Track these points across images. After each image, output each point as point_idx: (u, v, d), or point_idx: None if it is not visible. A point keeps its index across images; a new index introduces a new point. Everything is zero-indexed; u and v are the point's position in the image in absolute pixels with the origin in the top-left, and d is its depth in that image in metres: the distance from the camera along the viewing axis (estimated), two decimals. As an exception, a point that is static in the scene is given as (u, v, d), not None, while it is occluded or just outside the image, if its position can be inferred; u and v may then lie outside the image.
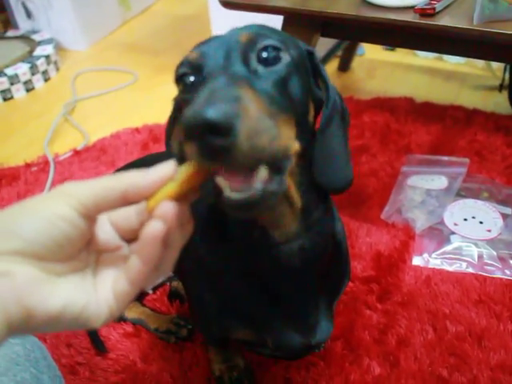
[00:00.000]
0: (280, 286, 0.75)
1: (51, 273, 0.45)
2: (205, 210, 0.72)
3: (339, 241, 0.82)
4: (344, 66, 2.31)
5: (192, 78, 0.60)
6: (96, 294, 0.48)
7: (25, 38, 2.65)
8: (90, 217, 0.47)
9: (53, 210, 0.44)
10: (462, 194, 1.50)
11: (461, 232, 1.38)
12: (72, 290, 0.46)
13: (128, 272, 0.48)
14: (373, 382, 1.08)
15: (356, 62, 2.36)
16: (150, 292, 1.31)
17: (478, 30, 1.15)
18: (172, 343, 1.18)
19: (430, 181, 1.55)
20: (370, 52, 2.46)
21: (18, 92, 2.38)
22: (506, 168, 1.63)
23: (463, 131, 1.81)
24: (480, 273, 1.29)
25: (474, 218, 1.42)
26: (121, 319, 1.23)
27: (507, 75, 1.98)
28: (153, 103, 2.21)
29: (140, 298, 1.29)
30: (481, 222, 1.40)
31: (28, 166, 1.85)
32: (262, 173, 0.49)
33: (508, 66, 1.96)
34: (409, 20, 1.20)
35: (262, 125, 0.47)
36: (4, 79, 2.31)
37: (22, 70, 2.36)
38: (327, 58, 2.32)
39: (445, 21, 1.19)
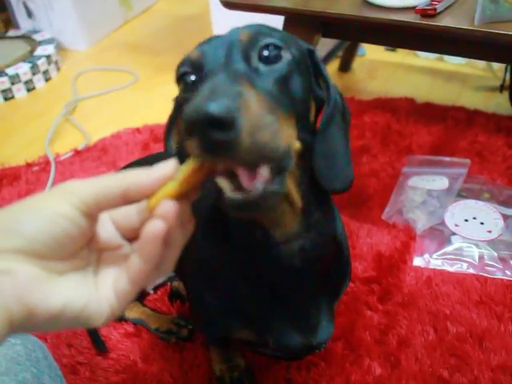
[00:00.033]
0: (281, 286, 0.75)
1: (52, 271, 0.45)
2: (206, 209, 0.72)
3: (340, 241, 0.82)
4: (345, 67, 2.31)
5: (193, 77, 0.60)
6: (97, 293, 0.48)
7: (26, 37, 2.66)
8: (92, 215, 0.47)
9: (54, 208, 0.44)
10: (462, 194, 1.50)
11: (462, 233, 1.38)
12: (73, 288, 0.46)
13: (129, 271, 0.48)
14: (373, 382, 1.08)
15: (357, 63, 2.36)
16: (151, 292, 1.31)
17: (479, 31, 1.15)
18: (172, 343, 1.18)
19: (430, 181, 1.55)
20: (370, 52, 2.46)
21: (19, 92, 2.38)
22: (506, 169, 1.62)
23: (464, 132, 1.81)
24: (481, 273, 1.29)
25: (474, 218, 1.42)
26: (121, 319, 1.23)
27: (508, 76, 1.97)
28: (153, 103, 2.21)
29: (141, 297, 1.29)
30: (482, 223, 1.40)
31: (29, 165, 1.85)
32: (264, 172, 0.48)
33: (509, 67, 1.95)
34: (410, 20, 1.20)
35: (263, 121, 0.47)
36: (5, 79, 2.31)
37: (23, 69, 2.36)
38: (328, 58, 2.32)
39: (446, 21, 1.19)
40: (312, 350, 0.89)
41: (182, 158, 0.50)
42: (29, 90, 2.41)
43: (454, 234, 1.38)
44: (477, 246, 1.34)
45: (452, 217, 1.42)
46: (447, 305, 1.22)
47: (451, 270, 1.31)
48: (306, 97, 0.63)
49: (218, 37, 0.61)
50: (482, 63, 2.24)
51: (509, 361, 1.09)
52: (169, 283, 1.32)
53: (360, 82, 2.28)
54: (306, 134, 0.62)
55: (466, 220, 1.41)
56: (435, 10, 1.18)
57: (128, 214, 0.51)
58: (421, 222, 1.42)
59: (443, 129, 1.83)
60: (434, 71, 2.28)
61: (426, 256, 1.34)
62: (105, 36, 2.86)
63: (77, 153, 1.90)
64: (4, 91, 2.33)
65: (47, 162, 1.86)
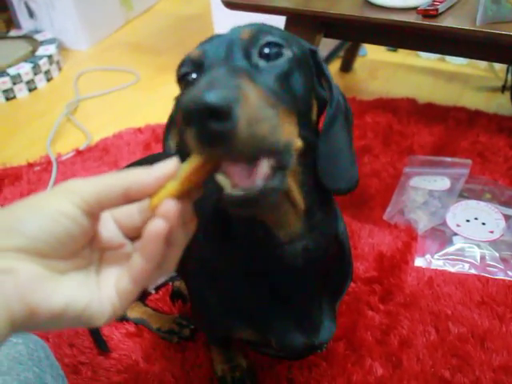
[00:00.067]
0: (283, 286, 0.75)
1: (54, 270, 0.45)
2: (209, 208, 0.72)
3: (342, 241, 0.82)
4: (346, 67, 2.32)
5: (194, 76, 0.60)
6: (99, 292, 0.48)
7: (27, 37, 2.66)
8: (93, 214, 0.47)
9: (56, 207, 0.44)
10: (464, 195, 1.50)
11: (463, 233, 1.37)
12: (75, 287, 0.46)
13: (131, 270, 0.48)
14: (375, 382, 1.08)
15: (358, 63, 2.36)
16: (153, 292, 1.31)
17: (480, 31, 1.15)
18: (174, 343, 1.18)
19: (432, 182, 1.55)
20: (372, 53, 2.45)
21: (21, 92, 2.38)
22: (508, 169, 1.62)
23: (466, 132, 1.81)
24: (482, 274, 1.29)
25: (476, 219, 1.42)
26: (123, 319, 1.23)
27: (510, 76, 1.98)
28: (155, 103, 2.21)
29: (142, 297, 1.29)
30: (483, 224, 1.40)
31: (30, 165, 1.85)
32: (264, 168, 0.48)
33: (511, 67, 1.96)
34: (411, 21, 1.20)
35: (262, 113, 0.47)
36: (6, 79, 2.31)
37: (25, 69, 2.36)
38: (329, 58, 2.32)
39: (447, 22, 1.19)
40: (314, 350, 0.89)
41: (183, 157, 0.50)
42: (30, 90, 2.41)
43: (455, 234, 1.38)
44: (478, 246, 1.34)
45: (453, 217, 1.42)
46: (449, 305, 1.22)
47: (453, 270, 1.31)
48: (308, 95, 0.62)
49: (218, 36, 0.61)
50: (483, 64, 2.24)
51: (510, 361, 1.09)
52: (170, 283, 1.32)
53: (361, 82, 2.28)
54: (308, 132, 0.62)
55: (468, 220, 1.41)
56: (437, 10, 1.18)
57: (130, 212, 0.51)
58: (422, 222, 1.42)
59: (445, 129, 1.83)
60: (435, 71, 2.28)
61: (428, 256, 1.34)
62: (106, 36, 2.86)
63: (78, 153, 1.90)
64: (6, 91, 2.33)
65: (49, 162, 1.86)
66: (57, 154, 1.91)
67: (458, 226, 1.40)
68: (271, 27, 0.62)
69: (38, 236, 0.43)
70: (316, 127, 0.67)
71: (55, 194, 0.46)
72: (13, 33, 2.74)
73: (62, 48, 2.72)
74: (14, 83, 2.34)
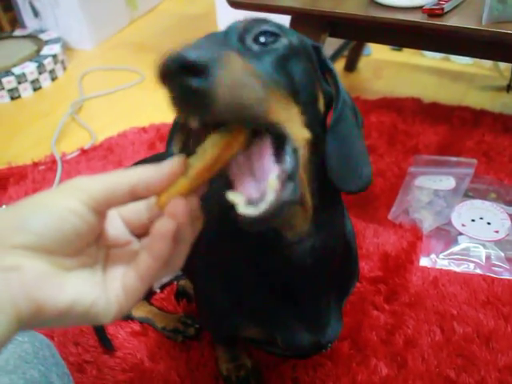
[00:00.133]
0: (291, 285, 0.75)
1: (61, 267, 0.45)
2: (216, 207, 0.71)
3: (349, 240, 0.82)
4: (350, 66, 2.31)
5: None
6: (105, 290, 0.48)
7: (32, 37, 2.66)
8: (100, 211, 0.47)
9: (63, 204, 0.44)
10: (469, 194, 1.50)
11: (468, 233, 1.37)
12: (81, 285, 0.46)
13: (138, 268, 0.48)
14: (380, 382, 1.07)
15: (362, 62, 2.35)
16: (158, 291, 1.31)
17: (486, 31, 1.15)
18: (179, 342, 1.18)
19: (437, 181, 1.54)
20: (376, 52, 2.45)
21: (26, 91, 2.38)
22: (513, 169, 1.62)
23: (471, 132, 1.80)
24: (488, 274, 1.28)
25: (481, 218, 1.41)
26: (128, 318, 1.23)
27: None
28: (160, 102, 2.18)
29: (147, 296, 1.29)
30: (488, 223, 1.40)
31: (35, 164, 1.86)
32: (273, 181, 0.47)
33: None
34: (417, 20, 1.20)
35: (245, 80, 0.46)
36: (11, 78, 2.32)
37: (30, 69, 2.36)
38: (334, 58, 2.32)
39: (453, 21, 1.19)
40: (320, 349, 0.89)
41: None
42: (35, 90, 2.41)
43: (460, 234, 1.38)
44: (484, 246, 1.34)
45: (459, 217, 1.42)
46: (454, 305, 1.22)
47: (458, 270, 1.30)
48: (310, 85, 0.61)
49: (215, 32, 0.61)
50: (488, 63, 2.24)
51: (516, 361, 1.09)
52: (175, 282, 1.32)
53: (366, 81, 2.27)
54: (316, 125, 0.61)
55: (473, 220, 1.41)
56: (443, 9, 1.18)
57: (137, 210, 0.51)
58: (427, 221, 1.42)
59: (449, 129, 1.83)
60: (440, 71, 2.28)
61: (433, 256, 1.34)
62: (111, 35, 2.86)
63: (83, 152, 1.91)
64: (10, 90, 2.34)
65: (53, 161, 1.86)
66: (61, 153, 1.91)
67: (463, 225, 1.40)
68: (269, 20, 0.60)
69: (45, 233, 0.43)
70: (324, 121, 0.66)
71: (62, 191, 0.46)
72: (17, 32, 2.74)
73: (66, 47, 2.72)
74: (19, 83, 2.34)
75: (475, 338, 1.14)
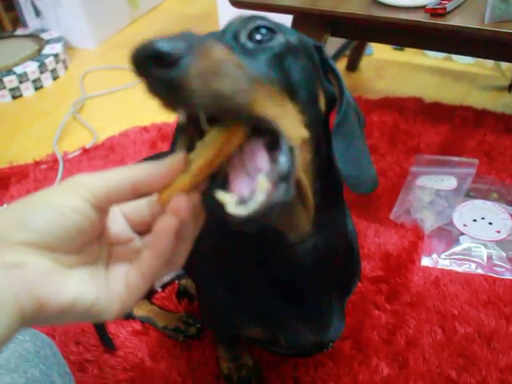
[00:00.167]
0: (294, 285, 0.75)
1: (63, 264, 0.45)
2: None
3: (350, 240, 0.82)
4: (352, 66, 2.31)
5: None
6: (108, 287, 0.48)
7: (34, 36, 2.66)
8: (102, 208, 0.47)
9: (65, 201, 0.44)
10: (471, 194, 1.50)
11: (470, 233, 1.37)
12: (83, 282, 0.46)
13: (140, 265, 0.48)
14: (381, 382, 1.07)
15: (364, 62, 2.35)
16: (159, 290, 1.31)
17: (488, 30, 1.15)
18: (180, 341, 1.18)
19: (439, 181, 1.54)
20: (378, 52, 2.45)
21: (27, 90, 2.38)
22: (515, 169, 1.62)
23: (472, 132, 1.80)
24: (489, 274, 1.28)
25: (483, 218, 1.41)
26: (129, 317, 1.23)
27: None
28: (161, 102, 2.21)
29: (149, 295, 1.29)
30: (490, 223, 1.40)
31: (37, 163, 1.86)
32: (263, 182, 0.46)
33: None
34: (419, 20, 1.20)
35: (223, 68, 0.44)
36: (13, 77, 2.32)
37: (31, 68, 2.36)
38: (336, 57, 2.32)
39: (455, 21, 1.18)
40: (322, 348, 0.89)
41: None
42: (37, 89, 2.41)
43: (462, 234, 1.38)
44: (485, 246, 1.34)
45: (460, 217, 1.42)
46: (455, 305, 1.22)
47: (459, 270, 1.30)
48: (310, 85, 0.60)
49: (215, 31, 0.60)
50: (490, 63, 2.23)
51: (517, 361, 1.09)
52: (176, 281, 1.32)
53: (367, 81, 2.27)
54: (317, 125, 0.60)
55: (475, 220, 1.41)
56: (445, 9, 1.18)
57: (139, 207, 0.51)
58: (429, 221, 1.42)
59: (451, 128, 1.83)
60: (442, 71, 2.28)
61: (434, 256, 1.34)
62: (112, 35, 2.86)
63: (85, 151, 1.91)
64: (12, 90, 2.34)
65: (55, 161, 1.87)
66: (63, 152, 1.91)
67: (464, 225, 1.39)
68: (265, 17, 0.59)
69: (47, 230, 0.43)
70: (326, 122, 0.66)
71: (64, 188, 0.46)
72: (19, 31, 2.74)
73: (68, 47, 2.72)
74: (21, 82, 2.34)
75: (476, 338, 1.14)
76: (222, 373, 1.09)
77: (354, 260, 0.87)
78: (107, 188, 0.46)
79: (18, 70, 2.35)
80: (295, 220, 0.66)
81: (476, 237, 1.36)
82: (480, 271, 1.29)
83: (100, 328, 1.21)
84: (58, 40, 2.60)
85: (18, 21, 2.90)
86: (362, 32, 1.42)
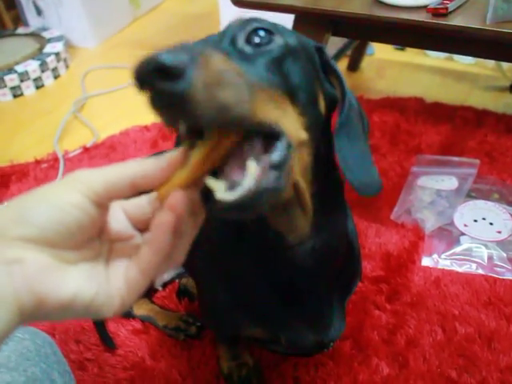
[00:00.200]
0: (294, 286, 0.75)
1: (63, 261, 0.45)
2: None
3: (351, 239, 0.82)
4: (353, 66, 2.31)
5: None
6: (107, 283, 0.48)
7: (35, 35, 2.66)
8: (102, 204, 0.47)
9: (65, 197, 0.44)
10: (472, 195, 1.49)
11: (471, 233, 1.37)
12: (83, 278, 0.46)
13: (139, 261, 0.48)
14: (381, 382, 1.07)
15: (365, 62, 2.35)
16: (160, 289, 1.31)
17: (490, 31, 1.14)
18: (181, 340, 1.18)
19: (440, 181, 1.54)
20: (379, 52, 2.45)
21: (28, 89, 2.38)
22: (516, 169, 1.62)
23: (473, 132, 1.80)
24: (490, 274, 1.28)
25: (484, 219, 1.41)
26: (129, 316, 1.23)
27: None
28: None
29: (149, 295, 1.29)
30: (491, 224, 1.40)
31: (38, 162, 1.86)
32: (252, 168, 0.46)
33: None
34: (421, 20, 1.19)
35: (225, 78, 0.44)
36: (14, 76, 2.32)
37: (32, 67, 2.36)
38: (337, 57, 2.32)
39: (457, 21, 1.18)
40: (323, 348, 0.89)
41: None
42: (38, 88, 2.41)
43: (462, 234, 1.38)
44: (486, 246, 1.34)
45: (461, 217, 1.42)
46: (456, 305, 1.22)
47: (460, 270, 1.30)
48: (310, 87, 0.59)
49: (214, 34, 0.59)
50: (491, 63, 2.23)
51: (518, 362, 1.09)
52: (177, 280, 1.32)
53: (369, 81, 2.27)
54: (317, 127, 0.60)
55: (475, 220, 1.41)
56: (447, 9, 1.17)
57: (140, 204, 0.51)
58: (430, 221, 1.42)
59: (452, 129, 1.83)
60: (443, 71, 2.27)
61: (435, 256, 1.34)
62: (113, 34, 2.86)
63: (85, 150, 1.91)
64: (13, 88, 2.34)
65: (56, 159, 1.87)
66: (64, 151, 1.91)
67: (465, 225, 1.39)
68: (263, 19, 0.58)
69: (47, 226, 0.43)
70: (327, 124, 0.66)
71: (64, 184, 0.46)
72: (20, 30, 2.74)
73: (69, 45, 2.72)
74: (22, 80, 2.34)
75: (477, 338, 1.14)
76: (223, 372, 1.09)
77: (354, 260, 0.87)
78: (107, 184, 0.46)
79: (19, 68, 2.35)
80: (293, 221, 0.66)
81: (477, 237, 1.36)
82: (480, 271, 1.29)
83: (100, 327, 1.20)
84: (59, 39, 2.60)
85: (19, 19, 2.90)
86: (363, 32, 1.42)
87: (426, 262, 1.33)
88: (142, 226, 0.52)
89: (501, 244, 1.34)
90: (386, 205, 1.52)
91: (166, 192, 0.47)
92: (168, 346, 1.18)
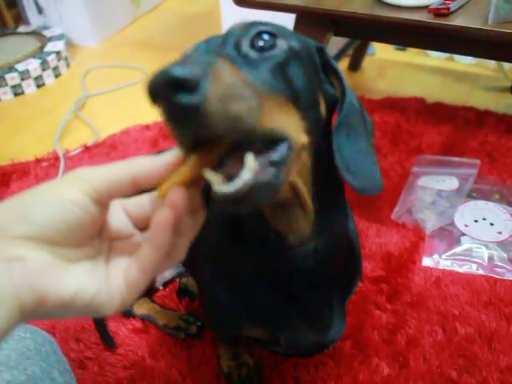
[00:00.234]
0: (295, 286, 0.75)
1: (63, 259, 0.45)
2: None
3: (352, 240, 0.82)
4: (354, 66, 2.31)
5: None
6: (108, 282, 0.48)
7: (36, 33, 2.66)
8: (103, 202, 0.47)
9: (65, 195, 0.44)
10: (472, 195, 1.49)
11: (471, 233, 1.37)
12: (84, 276, 0.46)
13: (140, 259, 0.48)
14: (381, 382, 1.07)
15: (366, 62, 2.35)
16: (161, 288, 1.31)
17: (492, 31, 1.14)
18: (181, 340, 1.18)
19: (440, 181, 1.54)
20: (380, 52, 2.45)
21: (29, 88, 2.38)
22: (517, 170, 1.62)
23: (474, 132, 1.80)
24: (490, 275, 1.28)
25: (484, 219, 1.41)
26: (130, 315, 1.23)
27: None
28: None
29: (150, 294, 1.29)
30: (491, 224, 1.40)
31: (38, 161, 1.86)
32: (250, 161, 0.46)
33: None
34: (423, 20, 1.19)
35: (236, 91, 0.45)
36: (15, 75, 2.32)
37: (33, 65, 2.36)
38: (338, 57, 2.32)
39: (459, 21, 1.18)
40: (323, 349, 0.89)
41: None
42: (38, 86, 2.41)
43: (463, 234, 1.38)
44: (486, 246, 1.34)
45: (462, 217, 1.42)
46: (456, 305, 1.22)
47: (460, 270, 1.30)
48: (311, 90, 0.59)
49: (216, 35, 0.60)
50: (492, 63, 2.23)
51: (518, 362, 1.09)
52: (177, 279, 1.32)
53: (369, 81, 2.27)
54: (317, 130, 0.60)
55: (476, 221, 1.41)
56: (448, 9, 1.17)
57: (141, 203, 0.51)
58: (430, 222, 1.42)
59: (453, 129, 1.83)
60: (444, 71, 2.27)
61: (435, 256, 1.34)
62: (114, 33, 2.86)
63: (86, 149, 1.91)
64: (14, 87, 2.34)
65: (56, 158, 1.87)
66: (64, 149, 1.91)
67: (466, 226, 1.39)
68: (268, 22, 0.58)
69: (48, 224, 0.43)
70: (327, 126, 0.65)
71: (65, 181, 0.46)
72: (21, 29, 2.74)
73: (70, 44, 2.72)
74: (23, 79, 2.34)
75: (477, 338, 1.14)
76: (223, 371, 1.09)
77: (355, 260, 0.86)
78: (108, 182, 0.46)
79: (20, 67, 2.35)
80: (294, 222, 0.66)
81: (477, 237, 1.36)
82: (481, 272, 1.29)
83: (100, 325, 1.21)
84: (60, 37, 2.60)
85: (20, 18, 2.90)
86: (364, 31, 1.42)
87: (426, 262, 1.33)
88: (142, 225, 0.52)
89: (501, 244, 1.34)
90: (386, 205, 1.51)
91: (166, 189, 0.47)
92: (168, 345, 1.18)
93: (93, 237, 0.48)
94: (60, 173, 1.78)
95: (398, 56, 2.43)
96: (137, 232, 0.52)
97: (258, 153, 0.47)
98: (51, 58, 2.43)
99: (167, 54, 2.58)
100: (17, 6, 2.86)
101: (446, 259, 1.33)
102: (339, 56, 2.32)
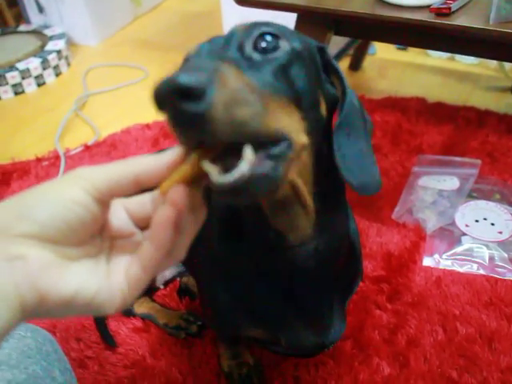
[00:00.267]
0: (295, 287, 0.74)
1: (64, 257, 0.45)
2: (222, 209, 0.71)
3: (352, 240, 0.82)
4: (355, 65, 2.31)
5: None
6: (109, 280, 0.48)
7: (36, 32, 2.66)
8: (104, 201, 0.47)
9: (67, 194, 0.44)
10: (473, 195, 1.49)
11: (472, 233, 1.37)
12: (85, 274, 0.46)
13: (140, 258, 0.48)
14: (382, 381, 1.07)
15: (367, 61, 2.35)
16: (162, 287, 1.31)
17: (493, 31, 1.14)
18: (181, 339, 1.18)
19: (441, 181, 1.54)
20: (381, 51, 2.45)
21: (30, 86, 2.38)
22: (517, 170, 1.62)
23: (475, 132, 1.80)
24: (491, 275, 1.28)
25: (485, 219, 1.41)
26: (130, 314, 1.23)
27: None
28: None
29: (150, 293, 1.29)
30: (492, 224, 1.40)
31: (39, 160, 1.86)
32: (248, 153, 0.46)
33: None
34: (424, 19, 1.19)
35: (241, 96, 0.45)
36: (15, 73, 2.32)
37: (34, 64, 2.36)
38: (338, 56, 2.32)
39: (460, 20, 1.18)
40: (323, 349, 0.89)
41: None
42: (39, 85, 2.41)
43: (464, 234, 1.38)
44: (487, 246, 1.34)
45: (462, 217, 1.42)
46: (457, 305, 1.21)
47: (461, 270, 1.30)
48: (312, 90, 0.60)
49: (218, 36, 0.60)
50: (493, 63, 2.23)
51: (519, 362, 1.09)
52: (178, 279, 1.32)
53: (370, 80, 2.27)
54: (318, 130, 0.60)
55: (477, 221, 1.41)
56: (450, 8, 1.17)
57: (142, 202, 0.51)
58: (431, 221, 1.42)
59: (454, 129, 1.83)
60: (445, 71, 2.27)
61: (436, 256, 1.34)
62: (115, 32, 2.87)
63: (86, 148, 1.91)
64: (14, 86, 2.34)
65: (57, 157, 1.87)
66: (65, 148, 1.92)
67: (466, 226, 1.39)
68: (270, 22, 0.59)
69: (49, 223, 0.43)
70: (327, 126, 0.65)
71: (66, 180, 0.46)
72: (22, 28, 2.74)
73: (71, 43, 2.72)
74: (23, 78, 2.34)
75: (478, 338, 1.14)
76: (223, 371, 1.09)
77: (356, 260, 0.86)
78: (109, 181, 0.46)
79: (21, 66, 2.35)
80: (295, 221, 0.66)
81: (478, 237, 1.36)
82: (482, 272, 1.29)
83: (101, 325, 1.21)
84: (60, 36, 2.60)
85: (20, 17, 2.90)
86: (365, 31, 1.42)
87: (427, 261, 1.33)
88: (143, 224, 0.52)
89: (502, 244, 1.34)
90: (387, 204, 1.51)
91: (167, 187, 0.47)
92: (169, 344, 1.18)
93: (94, 235, 0.48)
94: (61, 172, 1.78)
95: (399, 56, 2.43)
96: (137, 231, 0.52)
97: (257, 148, 0.48)
98: (52, 57, 2.43)
99: (168, 54, 2.59)
100: (18, 4, 2.87)
101: (446, 259, 1.33)
102: (340, 55, 2.32)
